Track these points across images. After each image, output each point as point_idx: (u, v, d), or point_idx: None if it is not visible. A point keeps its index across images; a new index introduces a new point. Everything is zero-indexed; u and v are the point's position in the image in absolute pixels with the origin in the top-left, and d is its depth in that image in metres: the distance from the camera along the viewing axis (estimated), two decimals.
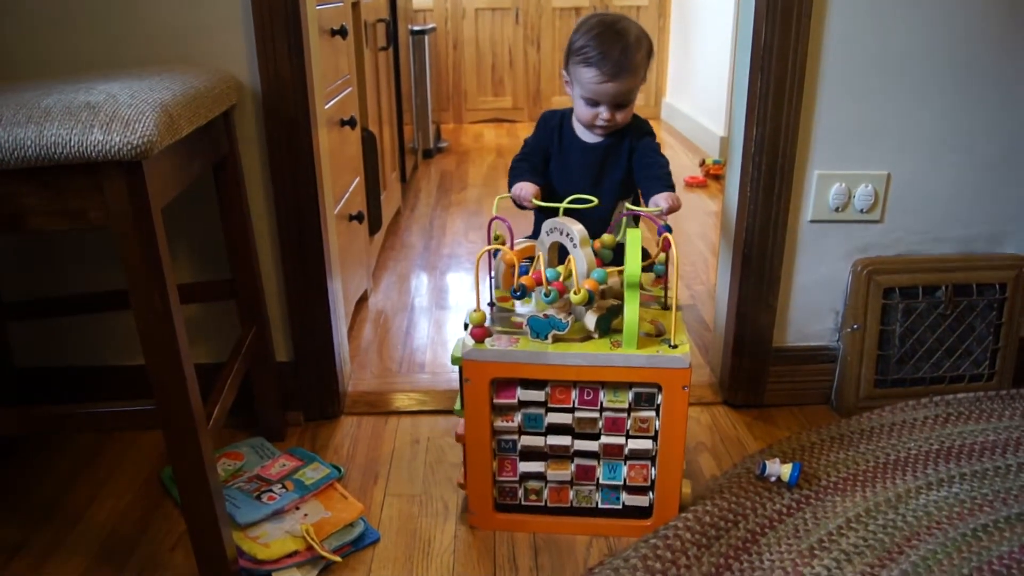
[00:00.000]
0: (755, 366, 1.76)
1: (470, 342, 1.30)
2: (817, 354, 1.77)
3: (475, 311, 1.30)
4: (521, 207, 1.48)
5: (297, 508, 1.41)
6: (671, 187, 1.45)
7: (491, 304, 1.44)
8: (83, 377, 1.74)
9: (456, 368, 1.38)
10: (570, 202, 1.39)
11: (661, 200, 1.40)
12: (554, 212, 1.39)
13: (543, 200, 1.45)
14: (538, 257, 1.34)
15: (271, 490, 1.43)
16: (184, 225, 1.62)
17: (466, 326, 1.42)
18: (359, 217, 2.17)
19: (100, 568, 1.34)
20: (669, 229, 1.33)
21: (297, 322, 1.69)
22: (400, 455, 1.64)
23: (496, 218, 1.38)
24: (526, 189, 1.44)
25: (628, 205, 1.45)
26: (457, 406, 1.41)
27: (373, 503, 1.49)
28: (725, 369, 1.81)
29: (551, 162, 1.56)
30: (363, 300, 2.38)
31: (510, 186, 1.49)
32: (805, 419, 1.75)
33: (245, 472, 1.51)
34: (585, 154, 1.53)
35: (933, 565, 1.28)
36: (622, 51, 1.43)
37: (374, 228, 2.51)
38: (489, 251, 1.39)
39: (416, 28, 3.86)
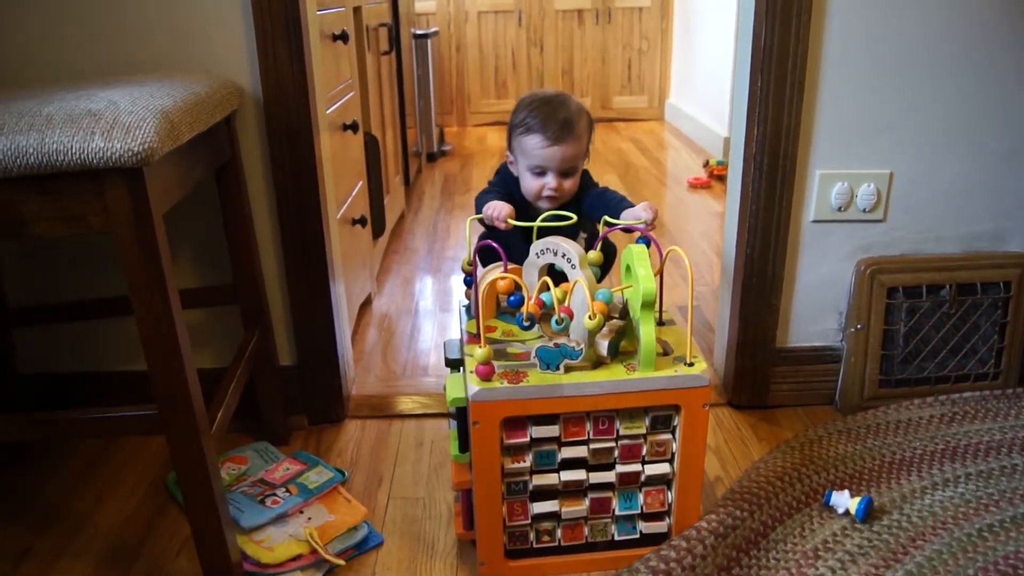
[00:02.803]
0: (759, 367, 1.76)
1: (475, 381, 1.20)
2: (821, 354, 1.77)
3: (480, 347, 1.20)
4: (492, 229, 1.40)
5: (301, 512, 1.41)
6: (629, 201, 1.43)
7: (477, 335, 1.33)
8: (87, 383, 1.74)
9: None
10: (546, 219, 1.35)
11: (641, 211, 1.35)
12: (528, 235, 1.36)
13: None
14: (543, 281, 1.26)
15: (275, 494, 1.44)
16: (187, 230, 1.63)
17: (451, 363, 1.37)
18: (362, 221, 2.17)
19: (105, 573, 1.34)
20: (648, 241, 1.29)
21: (300, 326, 1.69)
22: (404, 458, 1.64)
23: (485, 242, 1.31)
24: (501, 209, 1.37)
25: (609, 219, 1.38)
26: (454, 451, 1.31)
27: (377, 506, 1.49)
28: (729, 370, 1.80)
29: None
30: (367, 303, 2.38)
31: (478, 208, 1.43)
32: (809, 419, 1.74)
33: (249, 476, 1.51)
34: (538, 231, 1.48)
35: (939, 565, 1.27)
36: (564, 118, 1.42)
37: (378, 232, 2.51)
38: (476, 277, 1.34)
39: (419, 32, 3.87)
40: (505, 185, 1.52)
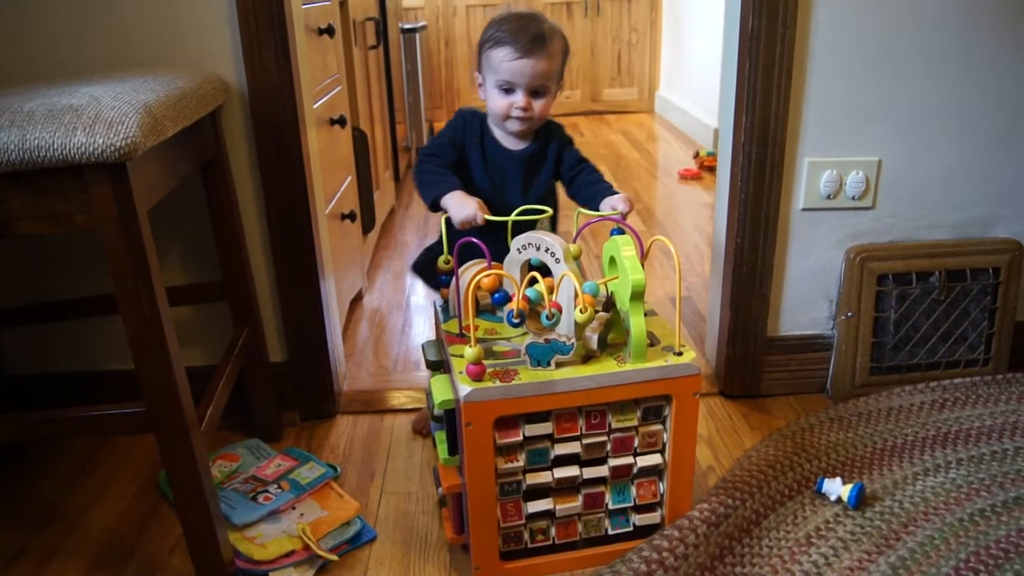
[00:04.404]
0: (750, 356, 1.76)
1: (466, 382, 1.17)
2: (812, 343, 1.77)
3: (470, 347, 1.17)
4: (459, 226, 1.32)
5: (293, 508, 1.41)
6: (613, 189, 1.40)
7: (461, 335, 1.31)
8: (78, 382, 1.73)
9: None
10: (520, 213, 1.32)
11: (618, 203, 1.33)
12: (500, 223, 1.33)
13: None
14: (529, 277, 1.23)
15: (267, 490, 1.43)
16: (174, 227, 1.62)
17: (432, 364, 1.35)
18: (351, 216, 2.17)
19: (98, 572, 1.34)
20: (622, 232, 1.27)
21: (290, 322, 1.69)
22: (396, 453, 1.64)
23: (466, 240, 1.27)
24: (473, 213, 1.28)
25: (583, 211, 1.37)
26: (443, 455, 1.28)
27: (370, 501, 1.49)
28: (720, 359, 1.80)
29: (472, 168, 1.44)
30: (358, 299, 2.38)
31: (427, 191, 1.35)
32: (801, 408, 1.75)
33: (241, 473, 1.51)
34: (512, 162, 1.44)
35: (931, 551, 1.27)
36: (536, 32, 1.35)
37: (367, 227, 2.50)
38: (458, 276, 1.31)
39: (407, 26, 3.85)
40: (457, 142, 1.43)
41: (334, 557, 1.33)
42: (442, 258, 1.40)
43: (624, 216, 1.32)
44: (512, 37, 1.35)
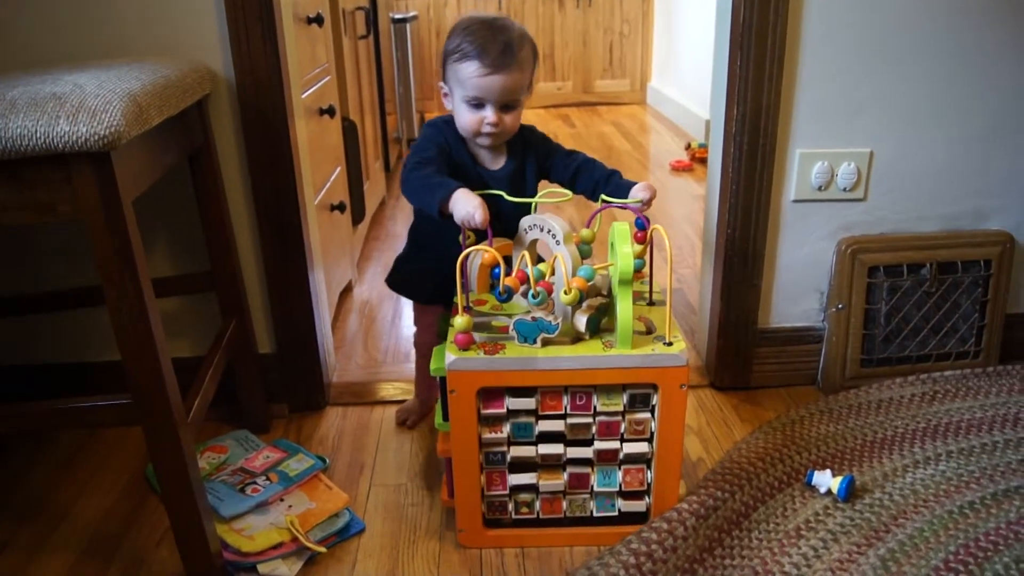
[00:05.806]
0: (741, 348, 1.76)
1: (452, 351, 1.21)
2: (803, 335, 1.77)
3: (460, 316, 1.20)
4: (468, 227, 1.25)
5: (281, 500, 1.40)
6: (627, 179, 1.39)
7: (467, 308, 1.30)
8: (66, 374, 1.72)
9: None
10: (544, 195, 1.34)
11: (640, 192, 1.32)
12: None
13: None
14: (522, 255, 1.25)
15: (255, 482, 1.42)
16: (163, 218, 1.60)
17: (442, 334, 1.36)
18: (341, 207, 2.15)
19: (86, 564, 1.33)
20: (646, 222, 1.27)
21: (279, 313, 1.68)
22: (386, 445, 1.63)
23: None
24: (476, 213, 1.20)
25: (606, 198, 1.36)
26: (439, 420, 1.31)
27: (359, 493, 1.48)
28: (711, 351, 1.80)
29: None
30: (348, 290, 2.37)
31: (430, 195, 1.26)
32: (792, 400, 1.74)
33: (229, 465, 1.50)
34: (494, 182, 1.39)
35: (920, 543, 1.27)
36: (506, 42, 1.29)
37: (357, 218, 2.49)
38: (467, 252, 1.29)
39: (397, 16, 3.83)
40: (442, 150, 1.36)
41: (322, 549, 1.32)
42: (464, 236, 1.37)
43: (648, 203, 1.32)
44: (480, 50, 1.29)
